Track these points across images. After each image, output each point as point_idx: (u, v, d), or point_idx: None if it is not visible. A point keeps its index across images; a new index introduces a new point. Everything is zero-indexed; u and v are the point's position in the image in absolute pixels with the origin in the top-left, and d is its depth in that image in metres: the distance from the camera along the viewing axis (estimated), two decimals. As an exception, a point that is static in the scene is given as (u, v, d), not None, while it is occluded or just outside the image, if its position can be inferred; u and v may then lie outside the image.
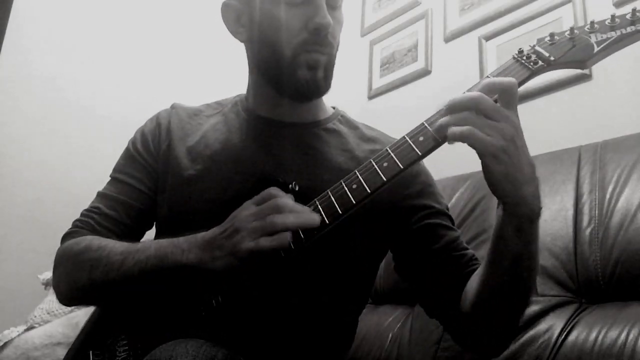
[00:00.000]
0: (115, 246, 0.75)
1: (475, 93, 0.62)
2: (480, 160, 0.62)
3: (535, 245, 0.67)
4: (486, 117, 0.60)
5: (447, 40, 1.77)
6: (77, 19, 2.06)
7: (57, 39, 2.00)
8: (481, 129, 0.60)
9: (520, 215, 0.63)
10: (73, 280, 0.78)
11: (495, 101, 0.63)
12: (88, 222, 0.84)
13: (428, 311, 0.86)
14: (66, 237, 0.84)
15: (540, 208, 0.64)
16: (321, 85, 0.82)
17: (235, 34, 0.87)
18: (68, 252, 0.80)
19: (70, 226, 0.86)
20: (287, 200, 0.66)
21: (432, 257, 0.82)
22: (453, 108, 0.63)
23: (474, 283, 0.74)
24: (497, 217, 0.66)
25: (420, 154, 0.65)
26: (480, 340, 0.78)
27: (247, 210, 0.67)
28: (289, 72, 0.80)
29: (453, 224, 0.87)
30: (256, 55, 0.86)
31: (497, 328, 0.74)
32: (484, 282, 0.71)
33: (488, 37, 1.63)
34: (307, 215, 0.65)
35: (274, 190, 0.68)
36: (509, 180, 0.61)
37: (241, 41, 0.88)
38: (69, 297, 0.81)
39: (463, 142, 0.61)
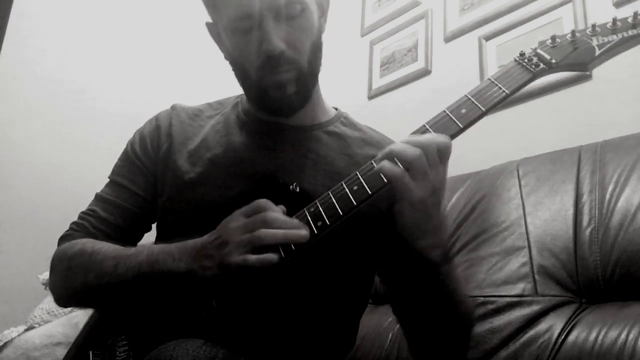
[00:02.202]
0: (108, 251, 0.75)
1: (427, 137, 0.65)
2: (397, 204, 0.66)
3: (451, 287, 0.72)
4: (427, 159, 0.63)
5: (447, 40, 1.77)
6: (77, 19, 2.06)
7: (57, 39, 2.00)
8: (416, 170, 0.62)
9: (419, 263, 0.68)
10: (68, 283, 0.78)
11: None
12: (84, 225, 0.84)
13: (393, 311, 0.87)
14: (62, 240, 0.85)
15: (441, 257, 0.69)
16: (293, 101, 0.80)
17: (220, 49, 0.88)
18: (63, 256, 0.80)
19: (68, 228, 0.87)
20: (276, 214, 0.67)
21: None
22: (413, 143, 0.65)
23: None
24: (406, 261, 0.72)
25: (420, 154, 0.65)
26: (419, 354, 0.83)
27: (236, 221, 0.67)
28: (261, 94, 0.80)
29: None
30: (235, 74, 0.86)
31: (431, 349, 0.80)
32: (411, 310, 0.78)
33: (488, 37, 1.63)
34: (296, 231, 0.66)
35: (263, 202, 0.68)
36: (414, 229, 0.66)
37: (226, 59, 0.87)
38: (65, 299, 0.82)
39: (390, 182, 0.64)
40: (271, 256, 0.64)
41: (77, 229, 0.84)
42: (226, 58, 0.87)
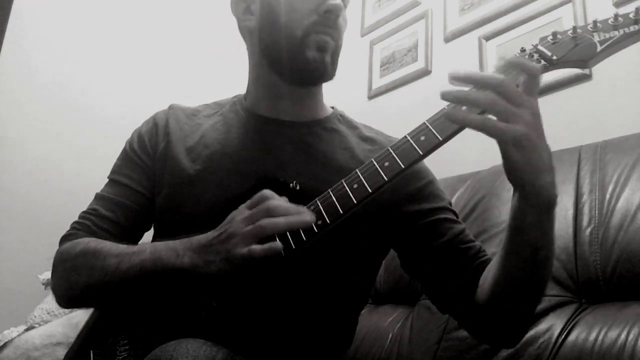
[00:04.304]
0: (111, 249, 0.75)
1: (498, 76, 0.61)
2: (499, 148, 0.60)
3: (552, 234, 0.66)
4: (508, 101, 0.59)
5: (447, 40, 1.77)
6: (77, 20, 2.06)
7: (57, 40, 2.00)
8: (501, 115, 0.59)
9: (539, 204, 0.62)
10: (71, 283, 0.78)
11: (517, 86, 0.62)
12: (85, 224, 0.84)
13: (440, 307, 0.85)
14: (64, 239, 0.84)
15: (556, 196, 0.63)
16: (328, 69, 0.83)
17: (242, 22, 0.89)
18: (65, 256, 0.80)
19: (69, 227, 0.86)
20: (279, 202, 0.67)
21: (439, 252, 0.81)
22: (476, 82, 0.61)
23: (490, 275, 0.74)
24: (513, 208, 0.65)
25: (421, 153, 0.65)
26: (497, 331, 0.77)
27: (241, 214, 0.67)
28: (298, 52, 0.81)
29: (457, 217, 0.86)
30: (264, 41, 0.85)
31: (515, 318, 0.74)
32: (501, 273, 0.70)
33: (488, 37, 1.63)
34: (299, 217, 0.65)
35: (266, 192, 0.68)
36: (530, 169, 0.59)
37: (249, 29, 0.88)
38: (67, 299, 0.81)
39: (479, 131, 0.59)
40: (276, 244, 0.64)
41: (79, 228, 0.84)
42: (251, 28, 0.87)
